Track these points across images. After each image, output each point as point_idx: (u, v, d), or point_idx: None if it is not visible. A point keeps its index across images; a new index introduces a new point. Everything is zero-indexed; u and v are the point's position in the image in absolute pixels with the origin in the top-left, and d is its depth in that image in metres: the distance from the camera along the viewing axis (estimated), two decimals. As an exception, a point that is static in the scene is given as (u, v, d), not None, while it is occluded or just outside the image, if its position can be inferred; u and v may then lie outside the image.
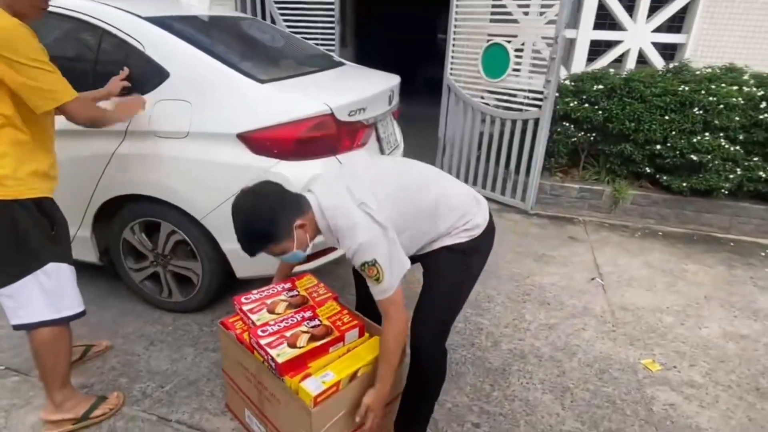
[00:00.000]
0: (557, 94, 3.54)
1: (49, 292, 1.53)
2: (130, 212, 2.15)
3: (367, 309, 1.63)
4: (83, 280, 1.87)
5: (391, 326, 1.37)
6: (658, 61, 3.80)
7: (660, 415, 1.89)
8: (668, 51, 4.07)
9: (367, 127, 2.21)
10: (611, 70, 3.66)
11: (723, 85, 3.29)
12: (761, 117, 3.23)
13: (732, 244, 3.40)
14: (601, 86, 3.51)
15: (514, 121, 3.64)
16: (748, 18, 3.53)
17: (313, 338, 1.46)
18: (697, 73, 3.46)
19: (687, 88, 3.31)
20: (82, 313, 1.65)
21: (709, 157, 3.31)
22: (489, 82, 3.69)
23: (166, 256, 2.22)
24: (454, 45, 3.87)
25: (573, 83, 3.64)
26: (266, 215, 1.30)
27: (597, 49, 3.98)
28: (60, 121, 1.56)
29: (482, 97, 3.82)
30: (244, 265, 2.09)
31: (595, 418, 1.86)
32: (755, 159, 3.36)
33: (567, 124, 3.66)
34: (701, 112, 3.29)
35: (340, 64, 2.77)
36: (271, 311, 1.59)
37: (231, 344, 1.59)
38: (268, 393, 1.46)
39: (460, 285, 1.52)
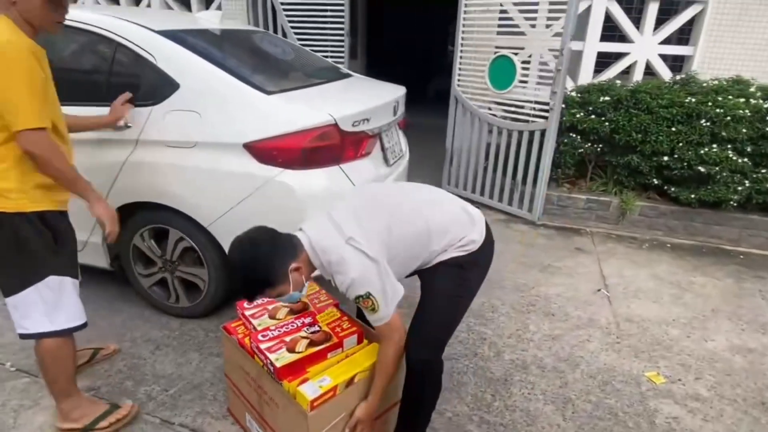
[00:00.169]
0: (563, 106, 3.56)
1: (49, 305, 1.54)
2: (140, 219, 2.21)
3: None
4: (95, 285, 1.94)
5: (390, 345, 1.40)
6: (665, 72, 3.80)
7: (663, 428, 1.88)
8: (677, 63, 4.07)
9: (371, 137, 2.25)
10: (618, 81, 3.67)
11: (730, 97, 3.28)
12: (769, 129, 3.21)
13: (741, 256, 3.36)
14: (607, 98, 3.52)
15: (520, 132, 3.66)
16: (755, 30, 3.52)
17: (312, 344, 1.48)
18: (704, 85, 3.46)
19: (694, 100, 3.31)
20: (83, 326, 1.65)
21: (717, 168, 3.29)
22: (496, 94, 3.72)
23: (174, 262, 2.27)
24: (461, 57, 3.92)
25: (579, 95, 3.66)
26: (261, 264, 1.33)
27: (606, 60, 4.00)
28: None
29: (489, 109, 3.85)
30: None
31: (596, 430, 1.85)
32: (763, 171, 3.33)
33: (574, 135, 3.67)
34: (708, 123, 3.28)
35: (348, 75, 2.83)
36: (272, 316, 1.62)
37: (233, 348, 1.63)
38: (268, 397, 1.49)
39: (457, 299, 1.53)
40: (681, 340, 2.41)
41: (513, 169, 3.78)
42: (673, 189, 3.55)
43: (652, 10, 3.70)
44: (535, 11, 3.54)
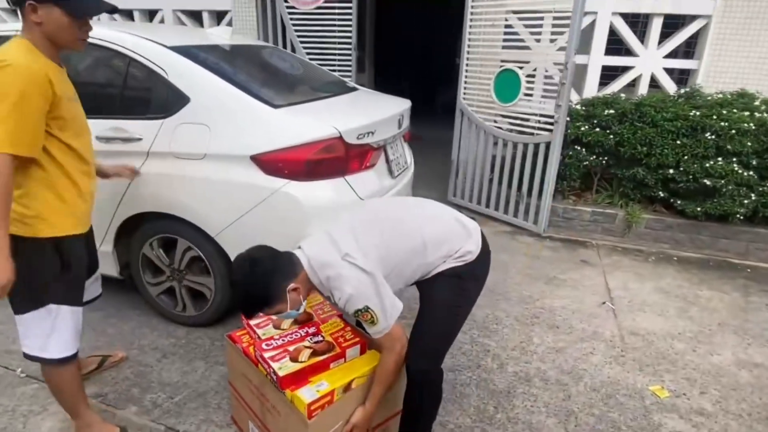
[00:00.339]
0: (568, 119, 3.59)
1: (44, 332, 1.54)
2: (150, 229, 2.26)
3: None
4: (105, 293, 1.99)
5: (390, 355, 1.43)
6: (670, 86, 3.82)
7: (667, 442, 1.86)
8: (684, 76, 4.09)
9: (376, 149, 2.29)
10: (622, 95, 3.70)
11: (735, 110, 3.29)
12: (775, 142, 3.21)
13: (749, 270, 3.33)
14: (612, 111, 3.54)
15: (525, 145, 3.68)
16: (759, 44, 3.54)
17: (314, 353, 1.51)
18: (709, 98, 3.47)
19: (698, 113, 3.32)
20: (72, 357, 1.61)
21: (723, 182, 3.29)
22: (501, 107, 3.76)
23: (181, 271, 2.31)
24: (466, 70, 3.97)
25: (584, 108, 3.69)
26: (260, 283, 1.37)
27: (612, 73, 4.03)
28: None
29: (495, 121, 3.88)
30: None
31: (599, 443, 1.84)
32: (770, 184, 3.32)
33: (579, 148, 3.69)
34: (713, 137, 3.29)
35: (354, 89, 2.89)
36: (276, 326, 1.64)
37: (237, 357, 1.65)
38: (270, 405, 1.51)
39: (456, 309, 1.55)
40: (686, 353, 2.40)
41: (518, 181, 3.80)
42: (679, 202, 3.54)
43: (656, 25, 3.74)
44: (540, 26, 3.60)
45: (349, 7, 4.13)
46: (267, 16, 4.45)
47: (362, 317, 1.37)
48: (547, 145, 3.52)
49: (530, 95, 3.63)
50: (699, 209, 3.44)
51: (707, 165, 3.31)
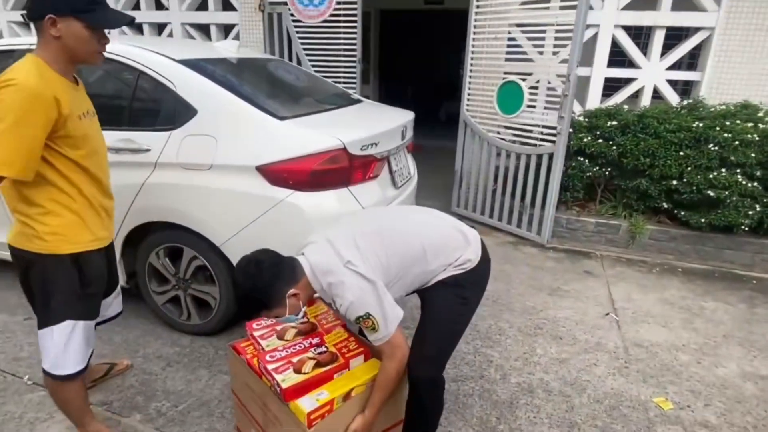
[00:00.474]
0: (571, 130, 3.61)
1: (59, 349, 1.55)
2: (157, 238, 2.29)
3: None
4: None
5: (392, 362, 1.44)
6: (673, 97, 3.84)
7: (671, 455, 1.85)
8: (688, 87, 4.11)
9: (380, 160, 2.32)
10: (625, 106, 3.72)
11: (738, 121, 3.30)
12: (778, 154, 3.21)
13: (755, 282, 3.32)
14: (614, 122, 3.56)
15: (528, 156, 3.70)
16: (763, 56, 3.56)
17: (318, 365, 1.51)
18: (712, 109, 3.48)
19: (701, 125, 3.33)
20: (81, 372, 1.62)
21: (727, 193, 3.28)
22: (504, 118, 3.79)
23: (187, 280, 2.34)
24: (470, 82, 4.01)
25: (587, 119, 3.71)
26: (262, 287, 1.40)
27: (616, 85, 4.05)
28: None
29: (498, 133, 3.91)
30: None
31: (602, 455, 1.83)
32: (775, 195, 3.32)
33: (582, 159, 3.71)
34: (716, 148, 3.30)
35: (358, 101, 2.93)
36: (280, 337, 1.65)
37: (240, 367, 1.66)
38: (272, 415, 1.52)
39: (457, 317, 1.56)
40: (691, 365, 2.38)
41: (521, 192, 3.82)
42: (683, 213, 3.54)
43: (659, 37, 3.76)
44: (543, 39, 3.64)
45: (354, 21, 4.20)
46: (273, 30, 4.53)
47: (363, 324, 1.39)
48: (550, 156, 3.54)
49: (533, 107, 3.66)
50: (703, 220, 3.44)
51: (711, 176, 3.31)
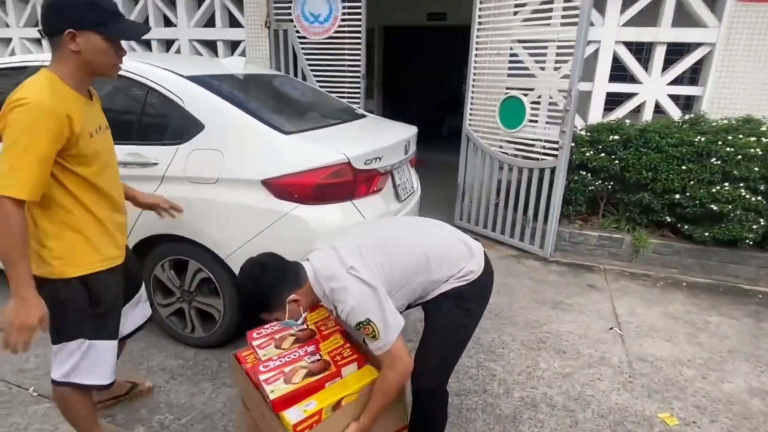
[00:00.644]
0: (573, 144, 3.64)
1: (74, 363, 1.54)
2: (162, 251, 2.32)
3: None
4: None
5: (391, 372, 1.43)
6: (674, 112, 3.87)
7: (676, 471, 1.83)
8: (689, 102, 4.14)
9: (383, 174, 2.35)
10: (627, 121, 3.75)
11: (740, 136, 3.31)
12: (781, 168, 3.22)
13: (760, 296, 3.30)
14: (616, 137, 3.59)
15: (531, 170, 3.73)
16: (764, 71, 3.58)
17: (309, 374, 1.50)
18: (714, 124, 3.50)
19: (703, 139, 3.35)
20: (104, 386, 1.61)
21: (730, 207, 3.29)
22: (506, 133, 3.82)
23: (191, 292, 2.35)
24: (472, 97, 4.06)
25: (588, 133, 3.74)
26: (263, 290, 1.43)
27: (618, 99, 4.09)
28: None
29: (500, 147, 3.95)
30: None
31: (607, 472, 1.82)
32: (778, 210, 3.32)
33: (584, 173, 3.73)
34: (719, 162, 3.31)
35: (362, 116, 2.97)
36: (278, 346, 1.65)
37: (241, 376, 1.67)
38: (268, 424, 1.51)
39: (460, 329, 1.57)
40: (696, 380, 2.37)
41: (524, 206, 3.83)
42: (686, 227, 3.54)
43: (659, 52, 3.80)
44: (544, 54, 3.69)
45: (359, 37, 4.28)
46: (279, 46, 4.61)
47: (364, 330, 1.38)
48: (553, 170, 3.56)
49: (535, 121, 3.69)
50: (707, 234, 3.44)
51: (714, 190, 3.32)
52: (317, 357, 1.59)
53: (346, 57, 4.38)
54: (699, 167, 3.37)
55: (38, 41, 5.80)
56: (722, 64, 3.66)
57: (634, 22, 3.75)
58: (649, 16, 3.77)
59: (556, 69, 3.61)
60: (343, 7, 4.26)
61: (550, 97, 3.69)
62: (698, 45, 3.74)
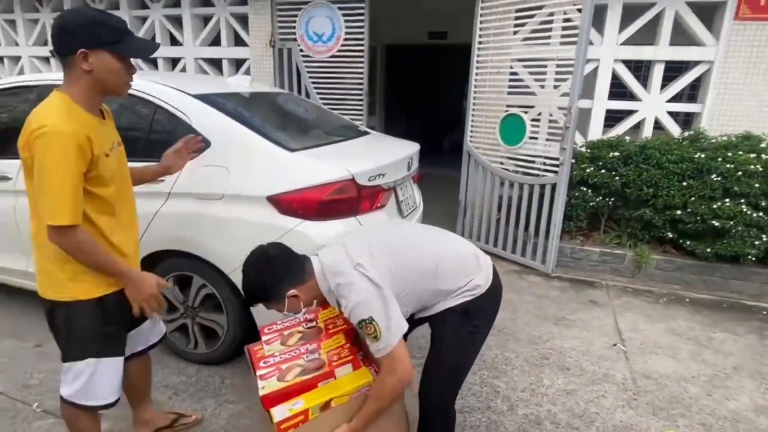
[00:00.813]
0: (573, 161, 3.67)
1: (82, 382, 1.54)
2: (167, 266, 2.33)
3: None
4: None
5: (389, 376, 1.39)
6: (674, 129, 3.91)
7: (683, 490, 1.81)
8: (689, 118, 4.19)
9: (387, 190, 2.37)
10: (627, 137, 3.79)
11: (740, 152, 3.34)
12: (782, 184, 3.24)
13: (764, 312, 3.29)
14: (617, 153, 3.62)
15: (531, 186, 3.76)
16: (762, 88, 3.63)
17: (303, 372, 1.50)
18: (713, 141, 3.54)
19: (703, 156, 3.38)
20: (111, 405, 1.61)
21: (732, 223, 3.30)
22: (507, 149, 3.86)
23: (195, 308, 2.36)
24: (473, 114, 4.11)
25: (589, 150, 3.77)
26: (265, 280, 1.45)
27: (617, 115, 4.13)
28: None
29: (501, 163, 3.98)
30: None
31: (613, 490, 1.80)
32: (780, 226, 3.33)
33: (585, 189, 3.75)
34: (719, 178, 3.34)
35: (365, 133, 3.01)
36: (283, 342, 1.66)
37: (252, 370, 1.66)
38: (269, 415, 1.51)
39: (467, 346, 1.55)
40: (701, 398, 2.35)
41: (525, 221, 3.85)
42: (688, 243, 3.55)
43: (658, 70, 3.86)
44: (544, 73, 3.75)
45: (361, 56, 4.36)
46: (283, 65, 4.70)
47: (366, 330, 1.36)
48: (553, 186, 3.59)
49: (535, 138, 3.73)
50: (709, 250, 3.45)
51: (715, 206, 3.34)
52: (315, 356, 1.57)
53: (349, 75, 4.46)
54: (699, 183, 3.39)
55: (47, 59, 5.91)
56: (721, 82, 3.71)
57: (632, 40, 3.82)
58: (647, 35, 3.84)
59: (555, 87, 3.67)
60: (346, 27, 4.35)
61: (550, 115, 3.73)
62: (696, 63, 3.80)
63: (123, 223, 1.56)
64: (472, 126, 4.14)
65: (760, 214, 3.32)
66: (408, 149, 2.71)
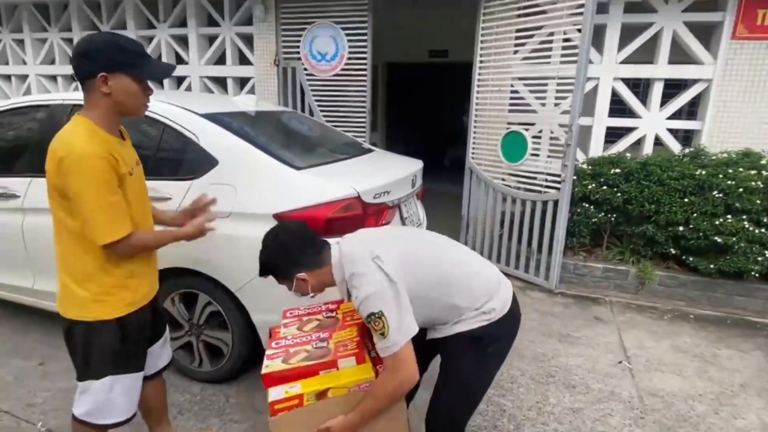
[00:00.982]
0: (575, 177, 3.70)
1: (96, 400, 1.53)
2: (173, 284, 2.34)
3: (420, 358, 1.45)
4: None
5: (391, 377, 1.35)
6: (674, 145, 3.95)
7: None
8: (689, 135, 4.23)
9: (391, 207, 2.40)
10: (628, 154, 3.82)
11: (741, 169, 3.37)
12: (783, 200, 3.26)
13: (769, 329, 3.28)
14: (618, 170, 3.65)
15: (534, 202, 3.78)
16: (761, 105, 3.68)
17: (307, 358, 1.49)
18: (714, 158, 3.57)
19: (704, 172, 3.41)
20: (126, 422, 1.61)
21: (734, 239, 3.31)
22: (509, 166, 3.90)
23: (200, 326, 2.36)
24: (474, 132, 4.16)
25: (590, 167, 3.80)
26: (278, 258, 1.49)
27: (618, 132, 4.18)
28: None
29: (503, 179, 4.01)
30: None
31: None
32: (783, 242, 3.34)
33: (587, 205, 3.77)
34: (720, 195, 3.36)
35: (369, 150, 3.05)
36: (299, 328, 1.66)
37: None
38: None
39: (477, 377, 1.51)
40: (708, 416, 2.33)
41: (528, 237, 3.86)
42: (691, 259, 3.55)
43: (657, 88, 3.92)
44: (545, 91, 3.80)
45: (364, 74, 4.43)
46: (287, 83, 4.77)
47: (374, 325, 1.32)
48: (555, 203, 3.61)
49: (537, 155, 3.77)
50: (712, 266, 3.45)
51: (717, 222, 3.35)
52: (324, 344, 1.55)
53: (352, 93, 4.52)
54: (701, 200, 3.41)
55: (54, 78, 6.00)
56: (720, 100, 3.76)
57: (631, 58, 3.88)
58: (646, 53, 3.91)
59: (556, 105, 3.72)
60: (350, 46, 4.43)
61: (551, 132, 3.78)
62: (695, 81, 3.85)
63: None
64: (474, 143, 4.18)
65: (763, 230, 3.33)
66: (412, 166, 2.74)
